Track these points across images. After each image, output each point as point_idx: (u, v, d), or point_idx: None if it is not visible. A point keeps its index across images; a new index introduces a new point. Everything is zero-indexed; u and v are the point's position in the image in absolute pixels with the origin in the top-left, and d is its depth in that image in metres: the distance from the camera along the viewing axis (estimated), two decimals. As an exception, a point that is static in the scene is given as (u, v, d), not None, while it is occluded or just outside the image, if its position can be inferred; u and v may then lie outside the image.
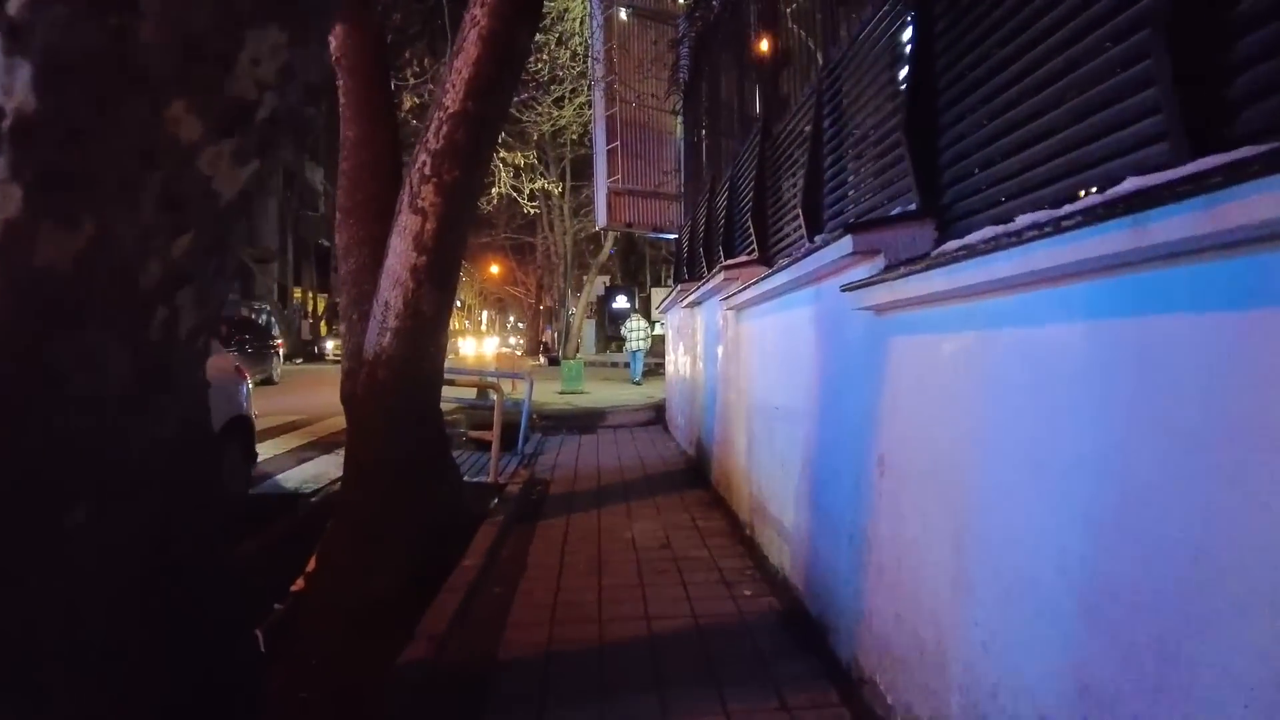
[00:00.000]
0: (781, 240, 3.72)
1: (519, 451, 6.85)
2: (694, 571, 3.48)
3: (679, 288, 6.22)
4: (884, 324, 2.14)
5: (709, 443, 5.39)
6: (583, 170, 22.99)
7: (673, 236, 9.90)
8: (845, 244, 2.10)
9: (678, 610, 3.01)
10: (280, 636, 3.62)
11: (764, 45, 4.29)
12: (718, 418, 5.01)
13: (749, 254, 4.14)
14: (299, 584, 4.12)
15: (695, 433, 6.13)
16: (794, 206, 3.43)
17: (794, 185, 3.46)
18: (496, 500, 5.08)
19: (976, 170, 1.85)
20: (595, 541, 4.02)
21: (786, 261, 2.82)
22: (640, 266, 39.74)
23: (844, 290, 2.18)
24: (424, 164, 3.70)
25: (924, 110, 2.08)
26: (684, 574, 3.45)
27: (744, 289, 3.77)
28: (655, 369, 18.44)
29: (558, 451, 7.09)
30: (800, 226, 3.26)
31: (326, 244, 34.54)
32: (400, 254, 3.74)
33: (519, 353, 36.74)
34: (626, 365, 17.20)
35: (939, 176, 2.05)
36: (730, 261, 4.16)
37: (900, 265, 1.86)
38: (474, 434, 5.52)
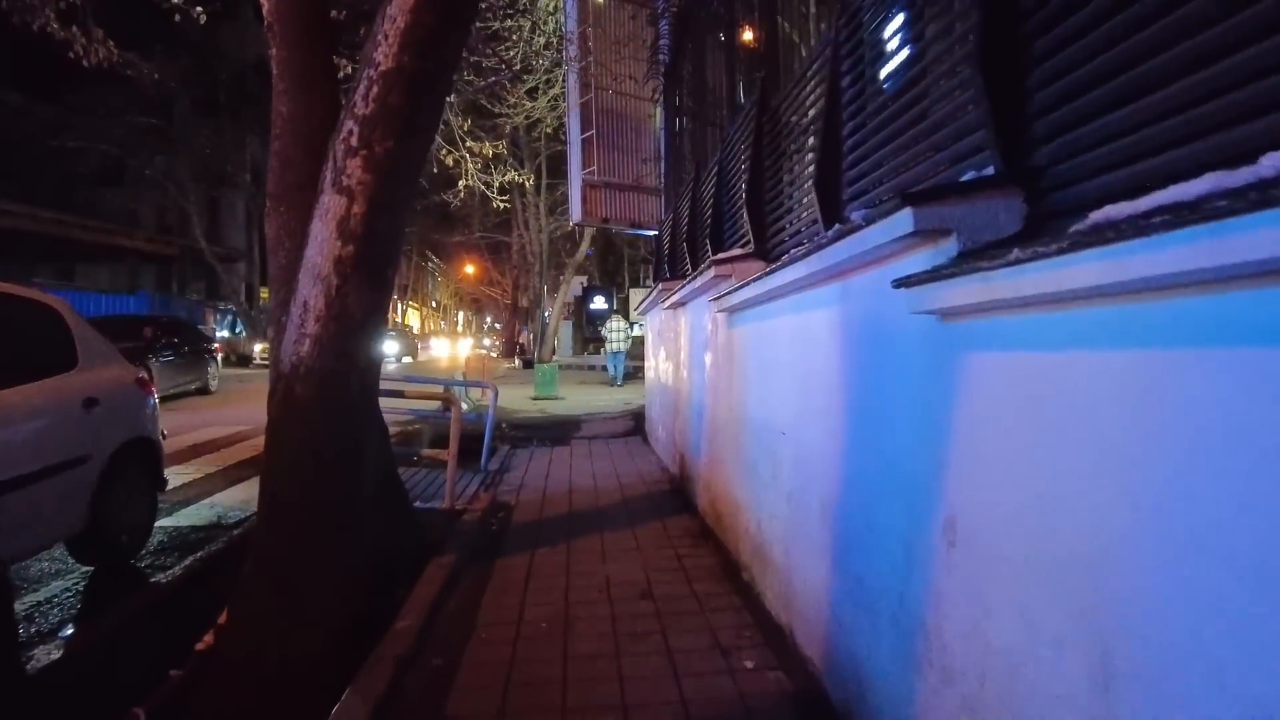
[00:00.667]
0: (782, 230, 3.11)
1: (482, 468, 6.18)
2: (682, 632, 2.85)
3: (660, 287, 5.62)
4: (956, 334, 1.53)
5: (695, 462, 4.77)
6: (558, 167, 22.29)
7: (652, 233, 9.28)
8: (902, 221, 1.49)
9: (663, 693, 2.37)
10: (177, 710, 2.95)
11: (758, 7, 3.69)
12: (705, 435, 4.39)
13: (743, 247, 3.53)
14: (206, 640, 3.45)
15: (678, 449, 5.51)
16: (800, 190, 2.83)
17: (801, 164, 2.86)
18: (456, 524, 4.42)
19: (1096, 113, 1.24)
20: (563, 588, 3.37)
21: (803, 250, 2.21)
22: (618, 266, 39.10)
23: (899, 286, 1.57)
24: (350, 134, 3.04)
25: (1005, 32, 1.48)
26: (669, 636, 2.81)
27: (740, 287, 3.15)
28: (635, 372, 17.97)
29: (526, 468, 6.42)
30: (807, 213, 2.66)
31: (295, 242, 33.30)
32: (322, 243, 3.07)
33: (494, 354, 35.90)
34: (604, 369, 16.81)
35: (1028, 128, 1.45)
36: (721, 256, 3.55)
37: (1006, 248, 1.25)
38: (428, 454, 4.85)
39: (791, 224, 2.97)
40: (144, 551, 3.91)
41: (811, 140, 2.63)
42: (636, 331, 17.93)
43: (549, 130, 15.95)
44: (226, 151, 25.79)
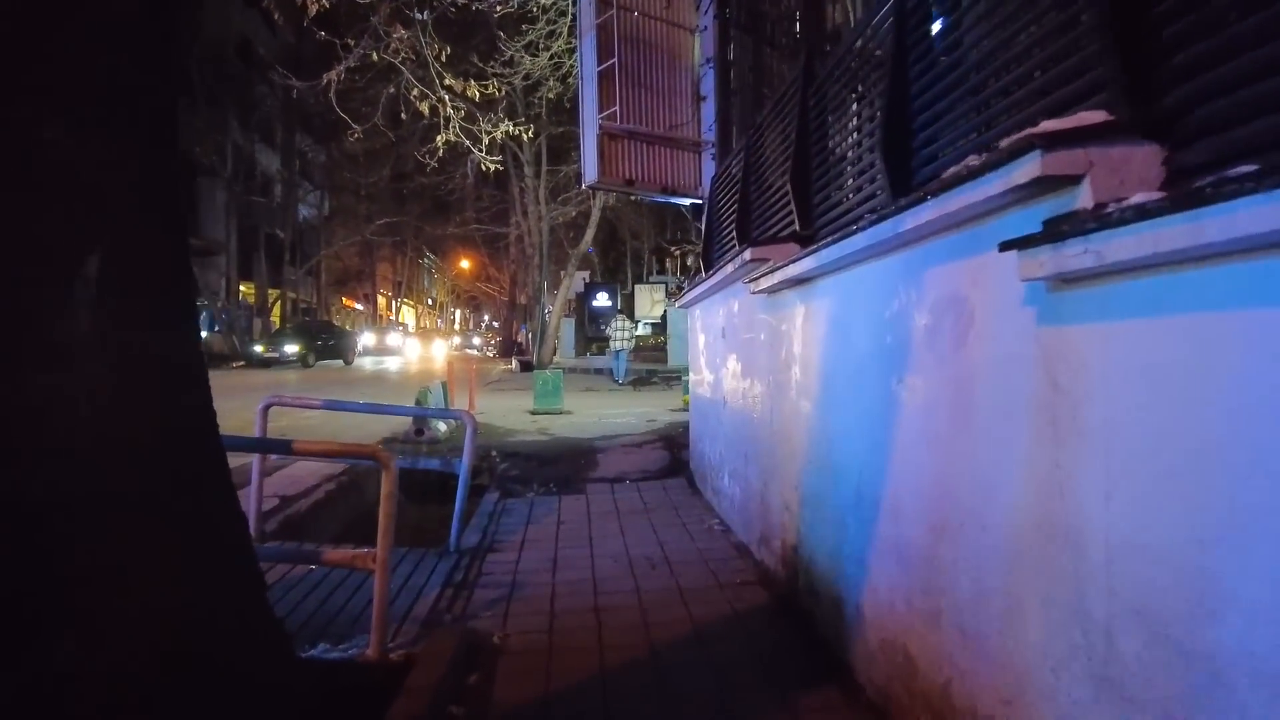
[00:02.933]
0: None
1: (451, 549, 3.92)
2: None
3: (746, 258, 3.41)
4: None
5: (852, 586, 2.54)
6: (560, 147, 19.98)
7: (690, 201, 7.03)
8: None
9: None
10: None
11: None
12: (899, 554, 2.16)
13: (1111, 109, 1.29)
14: None
15: (780, 531, 3.27)
16: None
17: None
18: (382, 709, 2.16)
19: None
20: None
21: None
22: (620, 263, 36.69)
23: None
24: None
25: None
26: None
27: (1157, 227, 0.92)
28: (649, 376, 16.03)
29: (521, 541, 4.18)
30: None
31: (280, 234, 30.96)
32: None
33: (490, 353, 33.23)
34: (610, 371, 15.88)
35: None
36: (1060, 124, 1.31)
37: None
38: (335, 557, 2.59)
39: None
40: None
41: None
42: (641, 331, 17.22)
43: (550, 96, 13.67)
44: (202, 136, 23.47)
